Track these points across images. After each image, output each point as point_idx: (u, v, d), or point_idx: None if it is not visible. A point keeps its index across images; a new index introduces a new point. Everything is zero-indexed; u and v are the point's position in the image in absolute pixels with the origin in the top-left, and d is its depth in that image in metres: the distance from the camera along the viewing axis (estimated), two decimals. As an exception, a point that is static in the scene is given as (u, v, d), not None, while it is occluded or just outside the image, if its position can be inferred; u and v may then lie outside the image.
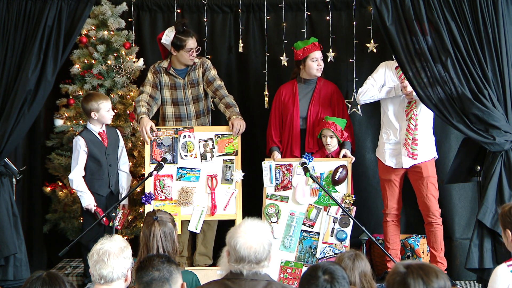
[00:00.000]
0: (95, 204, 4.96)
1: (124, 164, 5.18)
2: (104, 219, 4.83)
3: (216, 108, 5.40)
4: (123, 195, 5.04)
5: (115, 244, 2.93)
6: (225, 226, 5.33)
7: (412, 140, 4.93)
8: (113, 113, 5.11)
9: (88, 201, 4.96)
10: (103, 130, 5.09)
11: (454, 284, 4.93)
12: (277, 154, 5.17)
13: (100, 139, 5.06)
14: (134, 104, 5.28)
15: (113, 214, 4.57)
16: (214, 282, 2.96)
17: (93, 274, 2.89)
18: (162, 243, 3.52)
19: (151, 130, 5.02)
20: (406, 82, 4.78)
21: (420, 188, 4.99)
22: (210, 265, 5.26)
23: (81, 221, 5.38)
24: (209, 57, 5.63)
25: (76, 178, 4.98)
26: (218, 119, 5.61)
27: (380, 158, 5.13)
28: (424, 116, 4.98)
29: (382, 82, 5.08)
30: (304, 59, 5.20)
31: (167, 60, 5.25)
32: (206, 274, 4.12)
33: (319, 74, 5.24)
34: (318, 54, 5.21)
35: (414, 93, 4.76)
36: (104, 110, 5.02)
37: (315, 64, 5.18)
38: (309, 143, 5.21)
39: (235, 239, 2.84)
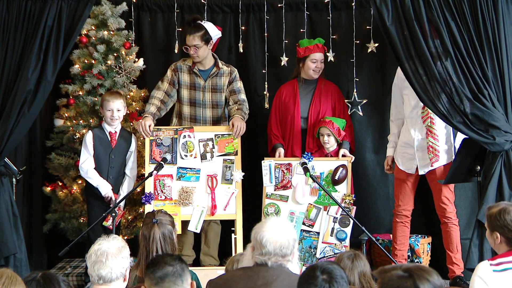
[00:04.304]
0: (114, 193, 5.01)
1: (129, 169, 5.18)
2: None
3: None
4: (121, 197, 5.02)
5: (113, 244, 2.93)
6: (225, 226, 5.35)
7: (437, 145, 4.89)
8: (118, 117, 5.06)
9: (106, 189, 5.01)
10: (115, 131, 5.10)
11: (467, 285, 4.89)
12: (281, 150, 5.18)
13: (109, 139, 5.08)
14: None
15: (113, 214, 4.57)
16: (238, 269, 3.09)
17: (91, 274, 2.89)
18: (161, 245, 3.52)
19: (150, 128, 5.02)
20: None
21: (435, 190, 4.96)
22: (216, 266, 5.22)
23: (82, 220, 5.40)
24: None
25: (90, 168, 5.01)
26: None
27: (395, 160, 5.12)
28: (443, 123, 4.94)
29: (399, 102, 5.10)
30: (304, 58, 5.22)
31: None
32: (206, 274, 4.11)
33: (316, 76, 5.24)
34: (318, 56, 5.21)
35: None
36: (105, 108, 5.04)
37: (314, 65, 5.19)
38: (309, 143, 5.21)
39: (261, 233, 2.92)
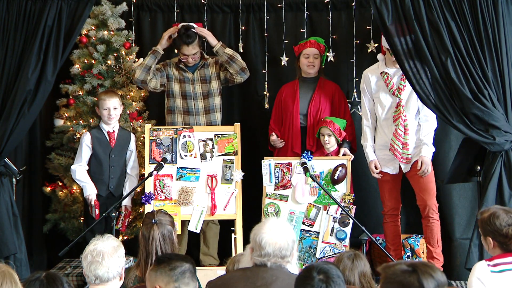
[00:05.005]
0: (95, 198, 4.99)
1: (132, 168, 5.20)
2: (97, 212, 4.91)
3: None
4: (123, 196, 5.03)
5: (108, 243, 2.93)
6: (225, 226, 5.35)
7: (402, 145, 4.91)
8: (115, 115, 5.08)
9: (89, 190, 5.02)
10: (113, 131, 5.11)
11: (450, 284, 4.92)
12: (274, 135, 5.22)
13: (108, 138, 5.08)
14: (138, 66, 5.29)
15: (113, 214, 4.57)
16: (238, 270, 3.08)
17: (88, 275, 2.89)
18: (161, 246, 3.52)
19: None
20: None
21: (416, 183, 4.98)
22: (216, 265, 5.23)
23: (81, 220, 5.40)
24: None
25: (79, 168, 5.04)
26: (227, 118, 5.59)
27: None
28: (416, 119, 4.96)
29: (371, 106, 5.09)
30: (299, 56, 5.28)
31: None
32: (206, 274, 4.12)
33: (310, 71, 5.26)
34: (310, 51, 5.23)
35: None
36: (102, 107, 5.04)
37: (306, 60, 5.23)
38: (309, 141, 5.22)
39: (260, 235, 2.91)
